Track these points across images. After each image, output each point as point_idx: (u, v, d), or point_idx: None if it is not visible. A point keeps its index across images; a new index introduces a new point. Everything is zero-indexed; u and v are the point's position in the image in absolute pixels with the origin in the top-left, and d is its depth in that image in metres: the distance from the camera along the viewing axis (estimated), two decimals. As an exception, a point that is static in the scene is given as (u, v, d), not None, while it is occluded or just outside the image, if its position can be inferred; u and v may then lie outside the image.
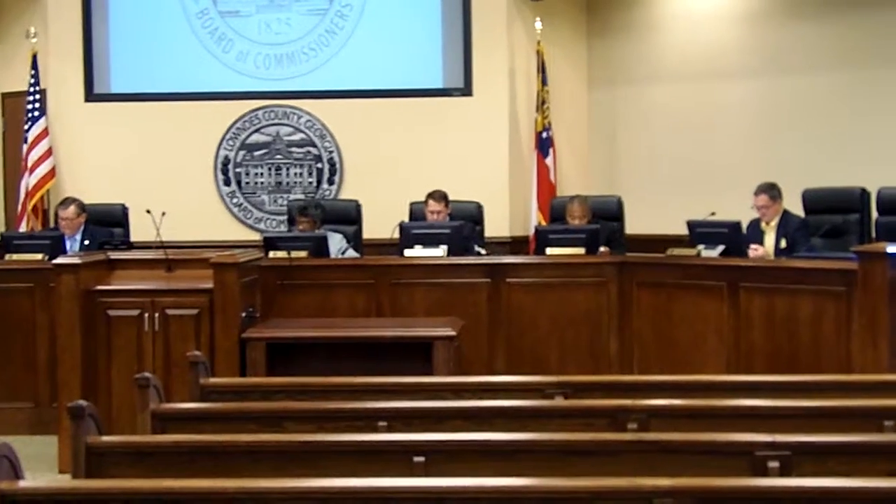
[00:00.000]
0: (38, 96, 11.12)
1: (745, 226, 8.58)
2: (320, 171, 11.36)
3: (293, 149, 11.39)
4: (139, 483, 3.97)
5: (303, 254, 8.52)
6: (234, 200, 11.40)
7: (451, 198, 9.53)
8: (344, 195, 11.14)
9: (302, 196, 11.10)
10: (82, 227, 9.39)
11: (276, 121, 11.40)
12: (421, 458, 4.23)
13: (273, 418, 4.98)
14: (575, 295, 8.38)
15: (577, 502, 3.72)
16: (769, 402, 5.02)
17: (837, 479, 3.86)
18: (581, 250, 8.63)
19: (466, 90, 11.27)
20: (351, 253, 9.20)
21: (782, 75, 10.38)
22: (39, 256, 8.60)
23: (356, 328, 7.57)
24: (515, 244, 10.97)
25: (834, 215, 8.65)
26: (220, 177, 11.40)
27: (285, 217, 10.59)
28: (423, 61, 11.33)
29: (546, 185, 11.11)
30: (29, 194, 10.99)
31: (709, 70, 10.87)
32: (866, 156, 9.66)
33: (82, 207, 9.44)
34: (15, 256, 8.73)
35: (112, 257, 7.77)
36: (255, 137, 11.40)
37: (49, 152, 11.11)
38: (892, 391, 5.34)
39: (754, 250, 8.34)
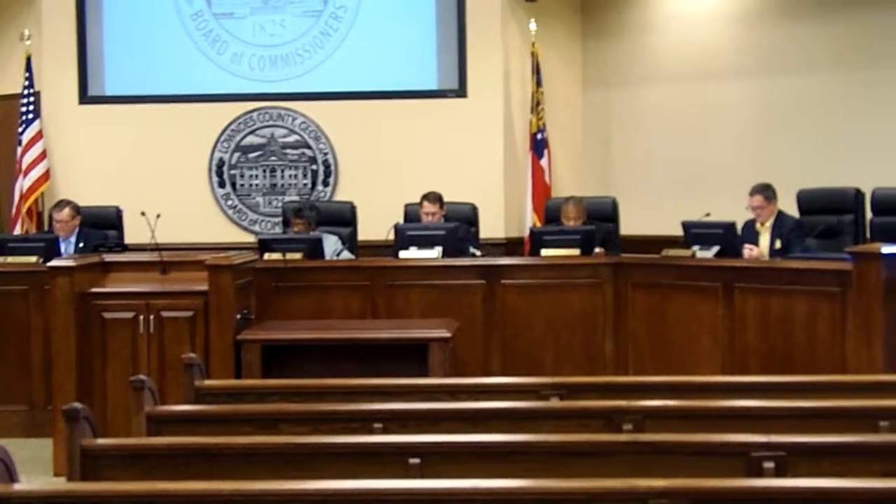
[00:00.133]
0: (32, 99, 11.11)
1: (739, 226, 8.58)
2: (315, 173, 11.36)
3: (288, 150, 11.39)
4: (134, 486, 3.97)
5: (298, 256, 8.52)
6: (229, 202, 11.40)
7: (445, 199, 9.54)
8: (339, 197, 11.14)
9: (297, 198, 11.09)
10: (77, 230, 9.38)
11: (270, 123, 11.40)
12: (416, 460, 4.23)
13: (268, 420, 4.98)
14: (570, 296, 8.38)
15: (572, 503, 3.72)
16: (764, 403, 5.02)
17: (832, 480, 3.86)
18: (576, 251, 8.64)
19: (461, 92, 11.27)
20: (346, 254, 9.20)
21: (777, 76, 10.39)
22: (34, 259, 8.59)
23: (351, 330, 7.56)
24: (510, 245, 10.97)
25: (828, 216, 8.67)
26: (215, 179, 11.40)
27: (280, 219, 10.59)
28: (418, 63, 11.34)
29: (541, 187, 11.11)
30: (23, 197, 10.98)
31: (703, 71, 10.88)
32: (861, 156, 9.68)
33: (77, 210, 9.43)
34: (9, 259, 8.71)
35: (107, 260, 7.76)
36: (250, 139, 11.40)
37: (43, 155, 11.09)
38: (886, 391, 5.35)
39: (749, 251, 8.35)
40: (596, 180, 11.51)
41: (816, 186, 9.01)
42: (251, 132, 11.39)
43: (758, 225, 8.74)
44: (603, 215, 9.66)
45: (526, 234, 10.33)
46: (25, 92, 11.09)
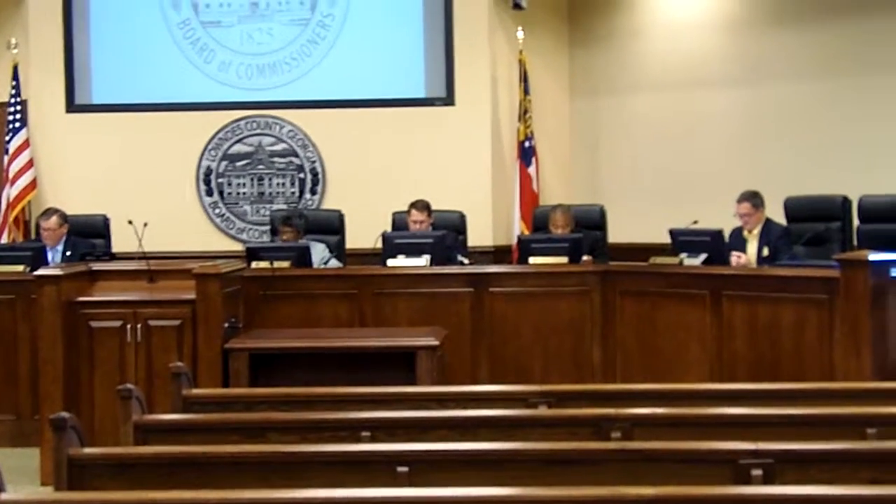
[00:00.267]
0: (19, 107, 11.09)
1: (727, 234, 8.59)
2: (303, 182, 11.35)
3: (275, 159, 11.38)
4: (122, 495, 3.96)
5: (285, 264, 8.50)
6: (217, 211, 11.38)
7: (433, 207, 9.54)
8: (326, 205, 11.13)
9: (284, 206, 11.09)
10: (64, 239, 9.36)
11: (258, 131, 11.39)
12: (405, 468, 4.22)
13: (256, 429, 4.98)
14: (558, 304, 8.38)
15: (561, 511, 3.72)
16: (752, 411, 5.03)
17: (820, 487, 3.87)
18: (564, 259, 8.64)
19: (448, 100, 11.28)
20: (333, 263, 9.19)
21: (764, 84, 10.41)
22: (21, 268, 8.56)
23: (339, 338, 7.55)
24: (498, 253, 10.97)
25: (816, 223, 8.67)
26: (203, 187, 11.39)
27: (268, 227, 10.58)
28: (406, 71, 11.34)
29: (529, 195, 11.12)
30: (10, 205, 10.95)
31: (690, 79, 10.90)
32: (848, 164, 9.69)
33: (64, 218, 9.42)
34: (-4, 268, 8.70)
35: (94, 268, 7.75)
36: (238, 148, 11.39)
37: (30, 163, 11.07)
38: (874, 399, 5.36)
39: (737, 258, 8.35)
40: (584, 188, 11.52)
41: (804, 194, 9.02)
42: (239, 140, 11.38)
43: (745, 232, 8.75)
44: (591, 223, 9.66)
45: (514, 241, 10.33)
46: (12, 100, 11.07)
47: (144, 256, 7.74)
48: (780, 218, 8.86)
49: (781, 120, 10.29)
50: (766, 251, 8.57)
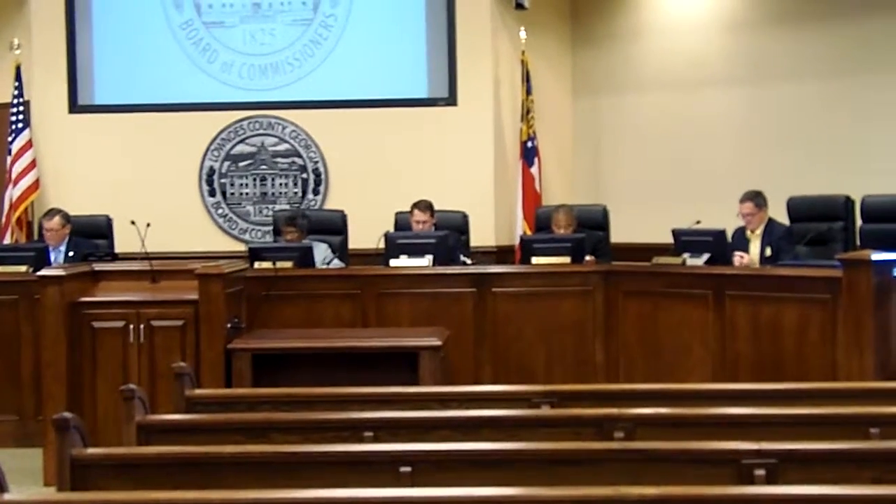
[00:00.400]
0: (21, 108, 11.10)
1: (730, 234, 8.59)
2: (305, 182, 11.36)
3: (278, 159, 11.39)
4: (125, 495, 3.96)
5: (288, 264, 8.50)
6: (219, 211, 11.39)
7: (436, 207, 9.54)
8: (329, 205, 11.14)
9: (287, 207, 11.09)
10: (66, 239, 9.36)
11: (260, 131, 11.39)
12: (407, 469, 4.22)
13: (259, 429, 4.98)
14: (561, 304, 8.38)
15: (563, 511, 3.72)
16: (755, 410, 5.03)
17: (824, 487, 3.86)
18: (566, 259, 8.64)
19: (451, 100, 11.28)
20: (336, 263, 9.19)
21: (766, 84, 10.41)
22: (24, 268, 8.57)
23: (342, 339, 7.55)
24: (501, 253, 10.97)
25: (819, 223, 8.67)
26: (205, 188, 11.39)
27: (270, 228, 10.58)
28: (408, 71, 11.34)
29: (531, 195, 11.12)
30: (13, 206, 10.96)
31: (693, 79, 10.90)
32: (851, 164, 9.69)
33: (67, 218, 9.42)
34: (-1, 268, 8.71)
35: (97, 269, 7.75)
36: (240, 148, 11.39)
37: (33, 164, 11.08)
38: (877, 398, 5.35)
39: (739, 258, 8.35)
40: (586, 188, 11.52)
41: (807, 194, 9.02)
42: (241, 141, 11.39)
43: (748, 232, 8.74)
44: (593, 223, 9.66)
45: (516, 242, 10.35)
46: (15, 101, 11.08)
47: (147, 257, 7.74)
48: (782, 218, 8.86)
49: (784, 120, 10.28)
50: (768, 251, 8.56)
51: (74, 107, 11.39)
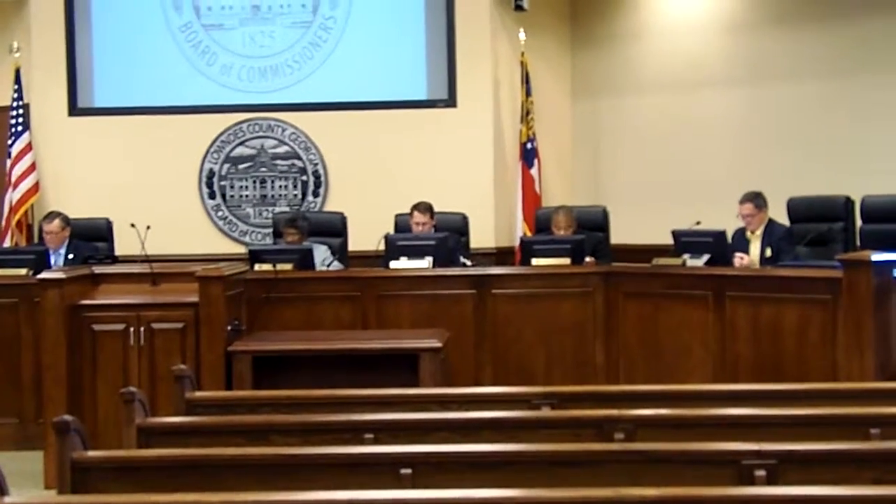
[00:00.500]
0: (21, 111, 11.10)
1: (730, 235, 8.59)
2: (305, 184, 11.36)
3: (278, 161, 11.39)
4: (125, 498, 3.96)
5: (288, 266, 8.50)
6: (219, 213, 11.39)
7: (436, 209, 9.54)
8: (329, 207, 11.14)
9: (287, 209, 11.09)
10: (66, 242, 9.36)
11: (260, 133, 11.40)
12: (408, 470, 4.22)
13: (259, 432, 4.98)
14: (561, 305, 8.38)
15: (564, 513, 3.72)
16: (755, 411, 5.03)
17: (824, 488, 3.86)
18: (566, 261, 8.64)
19: (451, 101, 11.28)
20: (335, 265, 9.19)
21: (766, 84, 10.41)
22: (24, 271, 8.57)
23: (342, 341, 7.55)
24: (501, 255, 10.97)
25: (819, 224, 8.67)
26: (205, 190, 11.39)
27: (270, 230, 10.58)
28: (408, 73, 11.35)
29: (531, 196, 11.12)
30: (13, 209, 10.96)
31: (692, 80, 10.90)
32: (850, 164, 9.69)
33: (66, 221, 9.42)
34: (-1, 271, 8.71)
35: (97, 272, 7.75)
36: (240, 150, 11.40)
37: (33, 167, 11.08)
38: (877, 399, 5.35)
39: (740, 259, 8.35)
40: (586, 189, 11.52)
41: (807, 194, 9.02)
42: (241, 143, 11.39)
43: (748, 233, 8.75)
44: (593, 224, 9.66)
45: (516, 243, 10.34)
46: (14, 104, 11.08)
47: (147, 259, 7.75)
48: (782, 218, 8.86)
49: (784, 120, 10.28)
50: (768, 252, 8.57)
51: (74, 110, 11.39)
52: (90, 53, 11.41)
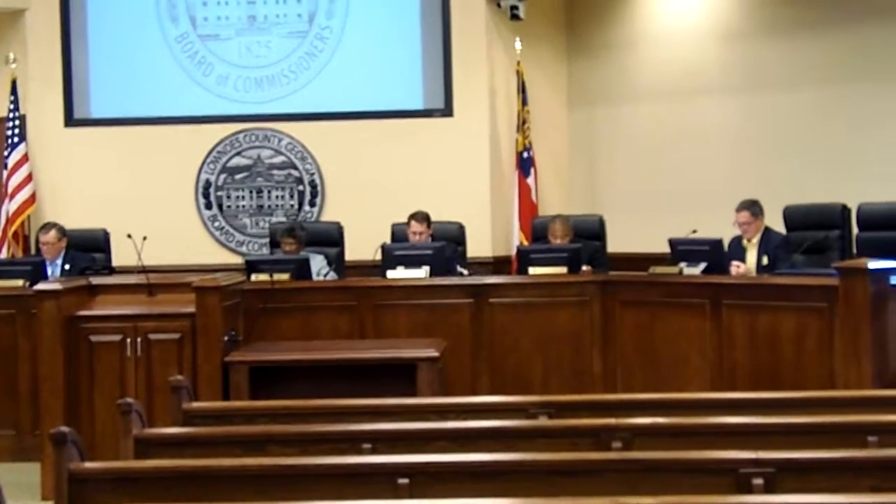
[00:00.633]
0: (17, 122, 11.10)
1: (726, 243, 8.59)
2: (301, 194, 11.36)
3: (274, 171, 11.39)
4: (122, 509, 3.96)
5: (285, 277, 8.50)
6: (216, 224, 11.39)
7: (432, 218, 9.54)
8: (325, 217, 11.14)
9: (284, 219, 11.09)
10: (63, 253, 9.36)
11: (256, 144, 11.40)
12: (405, 480, 4.22)
13: (256, 442, 4.97)
14: (558, 314, 8.38)
15: (562, 522, 3.72)
16: (753, 420, 5.02)
17: (822, 496, 3.86)
18: (563, 269, 8.63)
19: (447, 111, 11.29)
20: (331, 276, 9.19)
21: (762, 92, 10.42)
22: (20, 283, 8.56)
23: (339, 350, 7.55)
24: (498, 264, 10.97)
25: (815, 231, 8.66)
26: (202, 200, 11.39)
27: (267, 240, 10.58)
28: (404, 82, 11.35)
29: (527, 205, 11.13)
30: (9, 220, 10.95)
31: (688, 88, 10.91)
32: (847, 172, 9.69)
33: (63, 232, 9.42)
34: (-4, 283, 8.70)
35: (93, 282, 7.75)
36: (236, 161, 11.40)
37: (29, 178, 11.08)
38: (875, 407, 5.36)
39: (736, 267, 8.35)
40: (582, 198, 11.52)
41: (803, 202, 9.02)
42: (237, 153, 11.39)
43: (745, 241, 8.75)
44: (590, 233, 9.66)
45: (513, 252, 10.33)
46: (11, 115, 11.08)
47: (144, 270, 7.74)
48: (779, 226, 8.86)
49: (780, 128, 10.29)
50: (765, 260, 8.57)
51: (70, 120, 11.40)
52: (86, 64, 11.42)
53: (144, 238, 8.24)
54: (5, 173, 11.04)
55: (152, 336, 7.37)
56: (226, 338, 7.31)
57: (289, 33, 11.45)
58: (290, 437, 4.99)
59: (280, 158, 11.38)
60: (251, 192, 11.41)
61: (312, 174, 11.34)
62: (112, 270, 9.28)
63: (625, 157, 11.38)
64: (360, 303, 8.37)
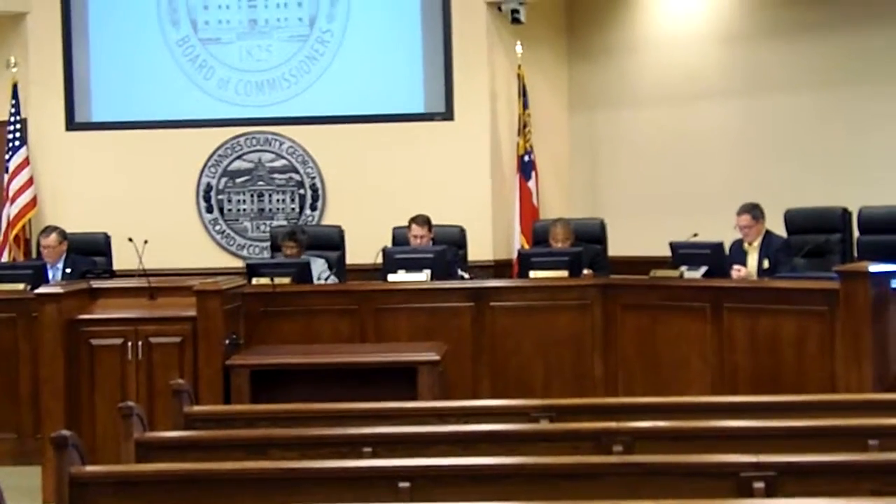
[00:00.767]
0: (18, 125, 11.10)
1: (727, 246, 8.59)
2: (302, 197, 11.37)
3: (275, 175, 11.39)
4: (123, 513, 3.96)
5: (286, 280, 8.50)
6: (217, 227, 11.39)
7: (433, 222, 9.54)
8: (326, 221, 11.14)
9: (284, 222, 11.09)
10: (64, 256, 9.37)
11: (257, 147, 11.40)
12: (406, 484, 4.22)
13: (257, 446, 4.97)
14: (559, 318, 8.38)
15: (563, 526, 3.72)
16: (754, 423, 5.02)
17: (822, 499, 3.87)
18: (564, 273, 8.63)
19: (448, 114, 11.29)
20: (332, 280, 9.19)
21: (762, 96, 10.42)
22: (21, 286, 8.57)
23: (340, 354, 7.55)
24: (499, 268, 10.97)
25: (816, 235, 8.66)
26: (203, 204, 11.39)
27: (268, 243, 10.58)
28: (405, 86, 11.36)
29: (528, 209, 11.12)
30: (10, 224, 10.96)
31: (689, 92, 10.90)
32: (847, 175, 9.69)
33: (64, 235, 9.43)
34: (-3, 286, 8.70)
35: (94, 286, 7.76)
36: (237, 164, 11.40)
37: (30, 182, 11.08)
38: (875, 410, 5.35)
39: (737, 271, 8.35)
40: (583, 202, 11.52)
41: (804, 206, 9.02)
42: (238, 157, 11.40)
43: (745, 245, 8.75)
44: (591, 237, 9.66)
45: (514, 256, 10.32)
46: (12, 119, 11.09)
47: (145, 274, 7.74)
48: (780, 230, 8.86)
49: (780, 132, 10.29)
50: (766, 263, 8.57)
51: (71, 124, 11.40)
52: (87, 68, 11.42)
53: (145, 241, 8.24)
54: (6, 177, 11.04)
55: (153, 339, 7.37)
56: (227, 341, 7.31)
57: (290, 37, 11.45)
58: (291, 440, 4.99)
59: (281, 162, 11.38)
60: (252, 195, 11.41)
61: (313, 178, 11.35)
62: (113, 274, 9.28)
63: (626, 160, 11.38)
64: (360, 306, 8.38)
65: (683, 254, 8.40)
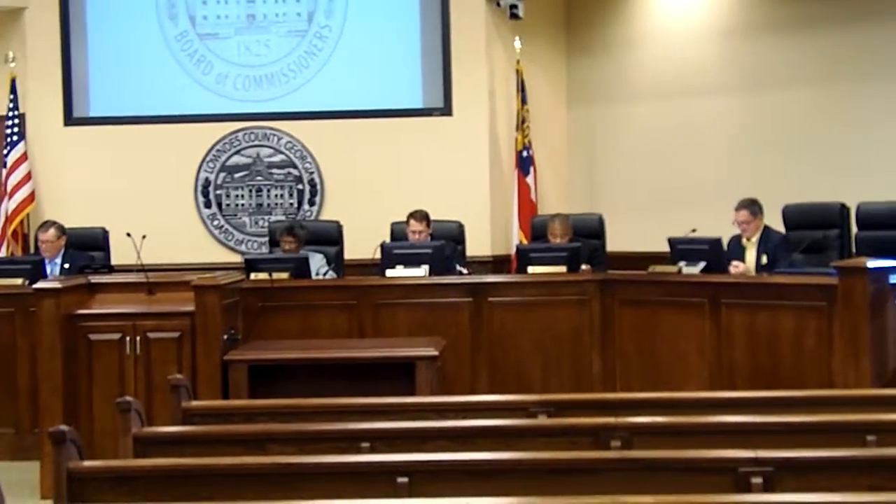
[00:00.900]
0: (17, 121, 11.09)
1: (725, 242, 8.59)
2: (301, 193, 11.36)
3: (273, 170, 11.39)
4: (121, 508, 3.96)
5: (284, 275, 8.50)
6: (215, 222, 11.38)
7: (432, 217, 9.53)
8: (325, 216, 11.13)
9: (283, 217, 11.08)
10: (62, 251, 9.36)
11: (256, 142, 11.39)
12: (405, 479, 4.22)
13: (255, 441, 4.98)
14: (557, 313, 8.38)
15: (561, 521, 3.72)
16: (752, 419, 5.03)
17: (820, 494, 3.86)
18: (563, 268, 8.63)
19: (446, 110, 11.28)
20: (330, 275, 9.19)
21: (761, 91, 10.42)
22: (20, 281, 8.56)
23: (338, 349, 7.55)
24: (497, 263, 10.97)
25: (814, 231, 8.66)
26: (201, 199, 11.39)
27: (266, 239, 10.58)
28: (403, 81, 11.35)
29: (527, 204, 11.12)
30: (8, 219, 10.95)
31: (688, 87, 10.90)
32: (846, 171, 9.70)
33: (62, 230, 9.42)
34: (-5, 281, 8.69)
35: (93, 281, 7.75)
36: (236, 159, 11.39)
37: (28, 176, 11.07)
38: (874, 406, 5.36)
39: (735, 267, 8.35)
40: (582, 197, 11.52)
41: (802, 201, 9.02)
42: (237, 152, 11.39)
43: (744, 240, 8.75)
44: (589, 232, 9.66)
45: (512, 251, 10.33)
46: (10, 114, 11.07)
47: (143, 269, 7.74)
48: (778, 226, 8.86)
49: (779, 127, 10.29)
50: (764, 259, 8.57)
51: (69, 119, 11.39)
52: (86, 63, 11.41)
53: (144, 236, 8.25)
54: (4, 172, 11.03)
55: (151, 335, 7.37)
56: (225, 336, 7.31)
57: (288, 32, 11.44)
58: (289, 435, 5.00)
59: (279, 157, 11.37)
60: (250, 190, 11.41)
61: (312, 173, 11.34)
62: (111, 269, 9.28)
63: (624, 155, 11.38)
64: (359, 302, 8.37)
65: (682, 249, 8.40)
